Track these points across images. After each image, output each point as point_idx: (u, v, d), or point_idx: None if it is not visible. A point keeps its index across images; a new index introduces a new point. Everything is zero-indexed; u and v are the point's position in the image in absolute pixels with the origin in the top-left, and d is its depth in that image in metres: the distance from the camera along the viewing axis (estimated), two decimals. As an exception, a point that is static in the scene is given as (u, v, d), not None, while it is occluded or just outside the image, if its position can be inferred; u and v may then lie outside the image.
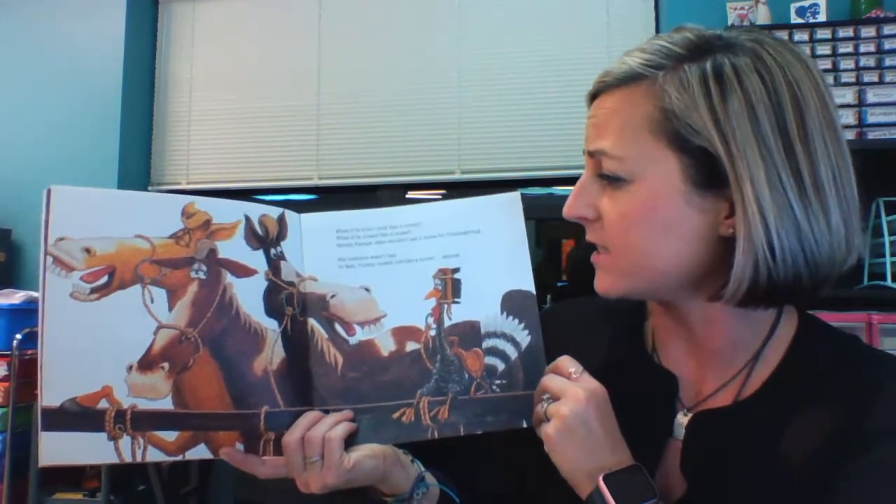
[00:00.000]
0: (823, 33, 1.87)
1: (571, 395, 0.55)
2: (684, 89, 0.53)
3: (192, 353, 0.60)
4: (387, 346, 0.65)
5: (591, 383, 0.56)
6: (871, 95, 1.81)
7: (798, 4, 2.00)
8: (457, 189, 2.59)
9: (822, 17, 1.96)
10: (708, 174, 0.53)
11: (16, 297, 2.29)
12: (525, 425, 0.61)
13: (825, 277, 0.53)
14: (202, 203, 0.63)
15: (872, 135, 1.80)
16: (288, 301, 0.65)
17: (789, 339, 0.59)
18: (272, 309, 0.63)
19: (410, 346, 0.65)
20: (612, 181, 0.57)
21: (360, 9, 2.67)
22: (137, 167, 2.77)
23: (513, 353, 0.64)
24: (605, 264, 0.59)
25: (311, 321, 0.65)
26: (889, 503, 0.51)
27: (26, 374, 2.23)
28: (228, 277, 0.62)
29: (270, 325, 0.63)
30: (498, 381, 0.63)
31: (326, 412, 0.63)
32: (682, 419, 0.60)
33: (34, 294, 2.33)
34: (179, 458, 0.59)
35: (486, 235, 0.67)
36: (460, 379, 0.63)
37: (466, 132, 2.54)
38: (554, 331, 0.66)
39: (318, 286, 0.66)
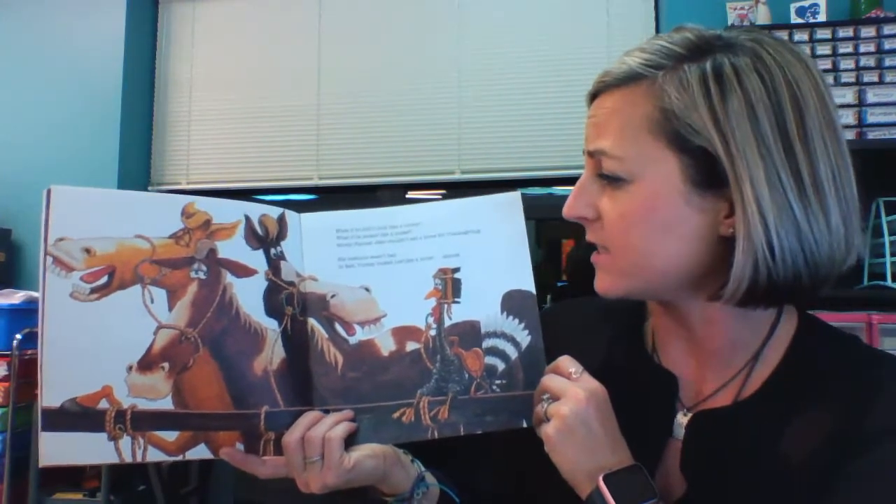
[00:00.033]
0: (823, 33, 1.87)
1: (571, 395, 0.55)
2: (684, 89, 0.53)
3: (192, 353, 0.60)
4: (387, 345, 0.65)
5: (591, 383, 0.56)
6: (871, 95, 1.81)
7: (798, 4, 2.00)
8: (457, 189, 2.59)
9: (821, 17, 1.96)
10: (707, 174, 0.53)
11: (16, 297, 2.29)
12: (525, 425, 0.61)
13: (825, 277, 0.53)
14: (202, 203, 0.63)
15: (872, 135, 1.80)
16: (288, 301, 0.64)
17: (789, 338, 0.59)
18: (272, 309, 0.63)
19: (410, 345, 0.64)
20: (611, 181, 0.57)
21: (360, 9, 2.67)
22: (137, 167, 2.77)
23: (513, 353, 0.64)
24: (605, 264, 0.59)
25: (311, 321, 0.65)
26: (889, 503, 0.51)
27: (26, 374, 2.23)
28: (228, 277, 0.62)
29: (270, 325, 0.63)
30: (498, 381, 0.63)
31: (326, 412, 0.63)
32: (682, 419, 0.60)
33: (34, 294, 2.33)
34: (179, 458, 0.59)
35: (487, 235, 0.67)
36: (460, 379, 0.63)
37: (466, 132, 2.54)
38: (554, 331, 0.66)
39: (318, 286, 0.66)
